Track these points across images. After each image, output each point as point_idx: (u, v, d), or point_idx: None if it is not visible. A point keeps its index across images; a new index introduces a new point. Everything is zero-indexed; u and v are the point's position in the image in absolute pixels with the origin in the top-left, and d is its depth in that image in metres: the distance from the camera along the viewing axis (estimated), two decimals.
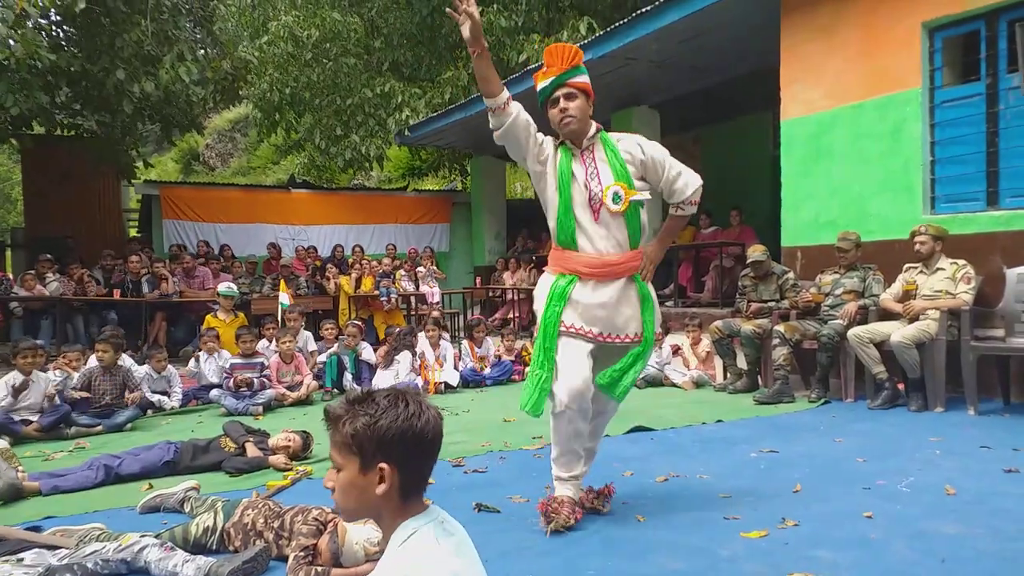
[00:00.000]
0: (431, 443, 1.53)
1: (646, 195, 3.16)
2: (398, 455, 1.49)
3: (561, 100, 3.13)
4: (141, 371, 6.82)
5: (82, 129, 11.37)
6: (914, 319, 5.48)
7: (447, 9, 3.02)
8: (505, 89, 3.07)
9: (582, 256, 3.14)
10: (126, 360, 6.68)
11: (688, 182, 3.18)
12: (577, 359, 3.09)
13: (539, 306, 3.22)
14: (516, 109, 3.07)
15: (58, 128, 12.46)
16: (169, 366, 7.22)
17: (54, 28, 11.70)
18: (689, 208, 3.24)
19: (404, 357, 7.47)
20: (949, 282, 5.44)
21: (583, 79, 3.16)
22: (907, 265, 5.75)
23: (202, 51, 12.31)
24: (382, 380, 7.21)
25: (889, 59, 6.19)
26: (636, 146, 3.21)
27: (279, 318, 8.86)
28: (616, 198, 3.08)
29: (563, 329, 3.12)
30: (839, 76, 6.57)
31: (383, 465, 1.48)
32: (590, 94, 3.18)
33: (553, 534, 3.00)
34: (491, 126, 3.13)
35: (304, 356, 7.75)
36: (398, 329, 8.39)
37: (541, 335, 3.14)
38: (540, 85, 3.18)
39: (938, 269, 5.54)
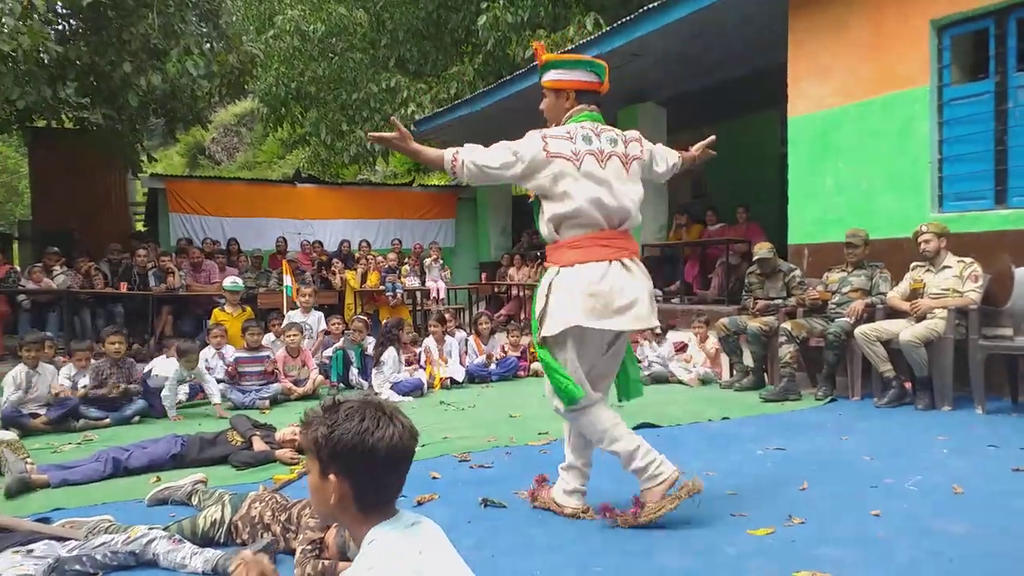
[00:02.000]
0: (384, 460, 1.53)
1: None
2: (347, 468, 1.52)
3: (542, 101, 3.30)
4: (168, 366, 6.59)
5: (88, 122, 11.38)
6: (921, 318, 5.47)
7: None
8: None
9: None
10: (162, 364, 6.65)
11: None
12: None
13: None
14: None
15: (64, 121, 12.48)
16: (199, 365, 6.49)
17: (61, 21, 11.71)
18: None
19: (389, 355, 7.27)
20: (957, 280, 5.43)
21: (548, 77, 3.21)
22: (914, 263, 5.73)
23: (208, 45, 12.32)
24: (377, 380, 7.19)
25: (897, 56, 6.17)
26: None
27: (283, 307, 8.90)
28: None
29: None
30: (847, 73, 6.54)
31: (332, 476, 1.52)
32: (558, 89, 3.19)
33: (554, 529, 3.01)
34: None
35: (315, 335, 7.81)
36: (385, 321, 8.36)
37: None
38: None
39: (945, 267, 5.53)
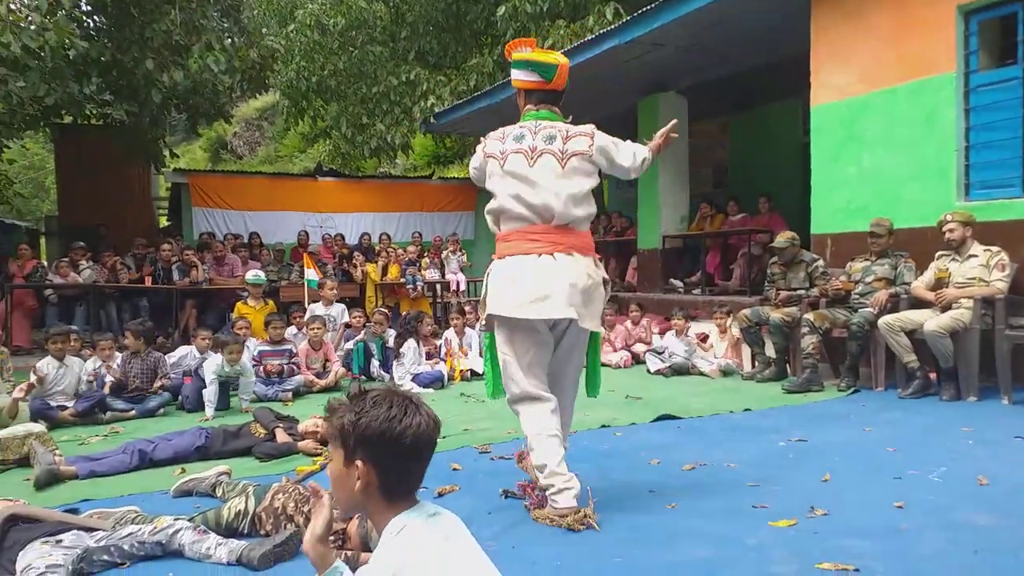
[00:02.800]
0: (411, 448, 1.56)
1: None
2: (374, 454, 1.54)
3: None
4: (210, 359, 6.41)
5: (112, 118, 11.51)
6: (947, 308, 5.40)
7: None
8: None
9: None
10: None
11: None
12: None
13: None
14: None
15: (89, 118, 12.62)
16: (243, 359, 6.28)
17: (85, 18, 11.84)
18: None
19: (408, 347, 7.35)
20: (983, 269, 5.35)
21: (511, 76, 3.35)
22: (939, 253, 5.65)
23: (229, 40, 12.37)
24: (398, 373, 7.24)
25: (923, 43, 6.07)
26: None
27: (305, 301, 8.97)
28: None
29: None
30: (871, 61, 6.45)
31: (359, 462, 1.54)
32: (516, 88, 3.36)
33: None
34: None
35: (337, 327, 7.87)
36: (405, 313, 8.41)
37: None
38: None
39: (971, 256, 5.45)
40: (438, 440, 1.65)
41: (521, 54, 3.27)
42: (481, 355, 7.93)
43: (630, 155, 3.29)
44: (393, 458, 1.55)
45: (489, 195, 3.29)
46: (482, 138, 3.32)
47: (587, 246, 3.24)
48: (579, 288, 3.09)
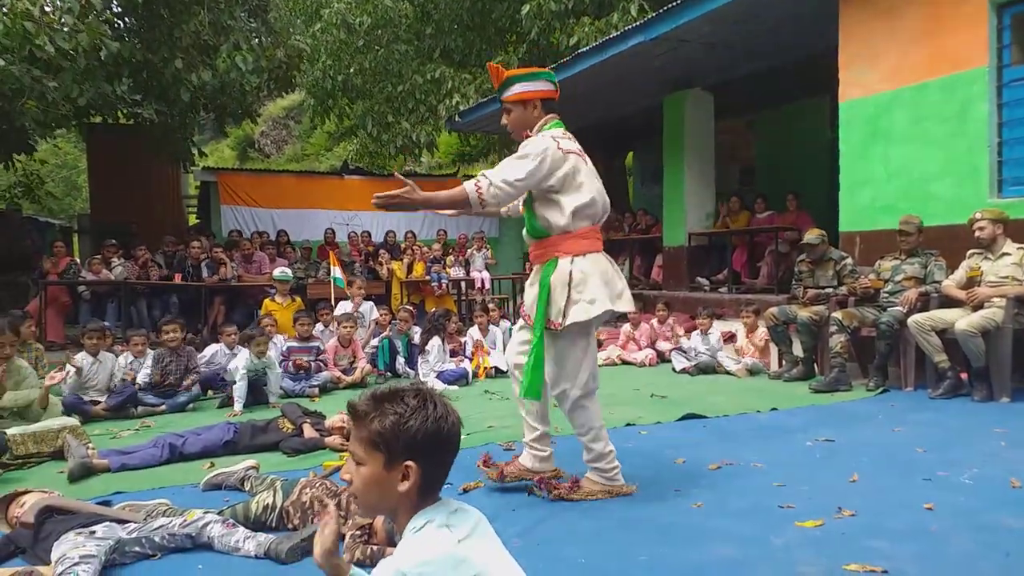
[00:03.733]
0: (455, 445, 1.61)
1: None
2: (424, 454, 1.54)
3: (503, 117, 3.45)
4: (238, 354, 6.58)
5: (142, 118, 11.67)
6: (978, 307, 5.31)
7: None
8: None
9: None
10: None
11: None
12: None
13: None
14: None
15: (119, 117, 12.80)
16: (270, 352, 6.46)
17: (116, 19, 12.01)
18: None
19: (433, 344, 7.43)
20: (1016, 268, 5.26)
21: (512, 92, 3.34)
22: (970, 251, 5.56)
23: (256, 40, 12.47)
24: (423, 370, 7.29)
25: (954, 37, 5.97)
26: None
27: (332, 299, 9.04)
28: None
29: None
30: (900, 56, 6.36)
31: (410, 463, 1.53)
32: (525, 101, 3.34)
33: (600, 518, 3.02)
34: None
35: (367, 323, 8.02)
36: (433, 311, 8.45)
37: None
38: None
39: (1004, 255, 5.35)
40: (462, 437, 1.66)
41: (525, 68, 3.41)
42: (504, 352, 8.04)
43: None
44: (439, 457, 1.58)
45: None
46: (537, 138, 3.25)
47: None
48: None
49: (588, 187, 3.27)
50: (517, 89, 3.34)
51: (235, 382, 6.04)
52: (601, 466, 3.35)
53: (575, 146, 3.31)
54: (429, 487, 1.58)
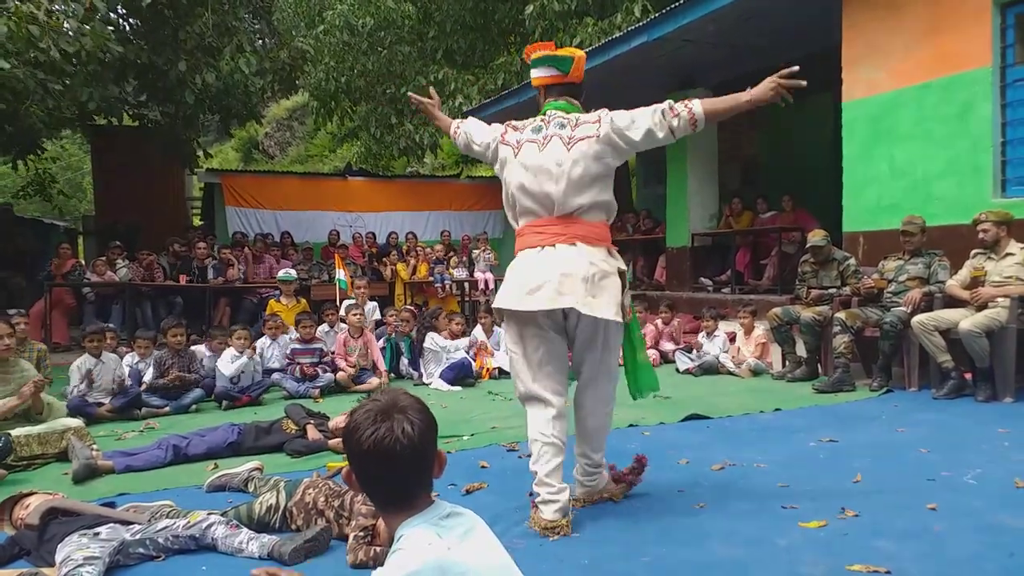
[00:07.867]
0: (373, 457, 1.51)
1: None
2: (352, 464, 1.58)
3: None
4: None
5: (147, 120, 11.72)
6: (982, 307, 5.30)
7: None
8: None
9: None
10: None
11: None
12: None
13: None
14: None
15: (124, 119, 12.86)
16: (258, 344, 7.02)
17: (121, 22, 12.06)
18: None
19: (429, 341, 7.46)
20: (1020, 268, 5.24)
21: (534, 74, 3.36)
22: (974, 251, 5.55)
23: (260, 42, 12.53)
24: (427, 371, 7.31)
25: (958, 37, 5.96)
26: None
27: (336, 300, 9.06)
28: None
29: None
30: (904, 55, 6.35)
31: (353, 472, 1.59)
32: (536, 86, 3.38)
33: (602, 518, 3.02)
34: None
35: (368, 323, 8.03)
36: (423, 311, 8.48)
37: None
38: None
39: (1007, 255, 5.34)
40: (409, 453, 1.52)
41: (538, 53, 3.28)
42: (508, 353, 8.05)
43: (647, 124, 3.03)
44: (363, 467, 1.56)
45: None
46: (507, 124, 3.30)
47: (596, 236, 3.08)
48: (579, 277, 2.92)
49: (509, 179, 3.15)
50: (532, 75, 3.38)
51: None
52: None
53: (521, 136, 3.14)
54: (376, 497, 1.59)
